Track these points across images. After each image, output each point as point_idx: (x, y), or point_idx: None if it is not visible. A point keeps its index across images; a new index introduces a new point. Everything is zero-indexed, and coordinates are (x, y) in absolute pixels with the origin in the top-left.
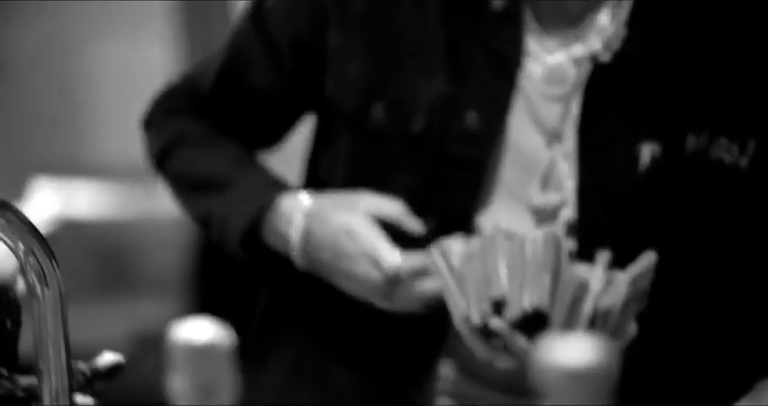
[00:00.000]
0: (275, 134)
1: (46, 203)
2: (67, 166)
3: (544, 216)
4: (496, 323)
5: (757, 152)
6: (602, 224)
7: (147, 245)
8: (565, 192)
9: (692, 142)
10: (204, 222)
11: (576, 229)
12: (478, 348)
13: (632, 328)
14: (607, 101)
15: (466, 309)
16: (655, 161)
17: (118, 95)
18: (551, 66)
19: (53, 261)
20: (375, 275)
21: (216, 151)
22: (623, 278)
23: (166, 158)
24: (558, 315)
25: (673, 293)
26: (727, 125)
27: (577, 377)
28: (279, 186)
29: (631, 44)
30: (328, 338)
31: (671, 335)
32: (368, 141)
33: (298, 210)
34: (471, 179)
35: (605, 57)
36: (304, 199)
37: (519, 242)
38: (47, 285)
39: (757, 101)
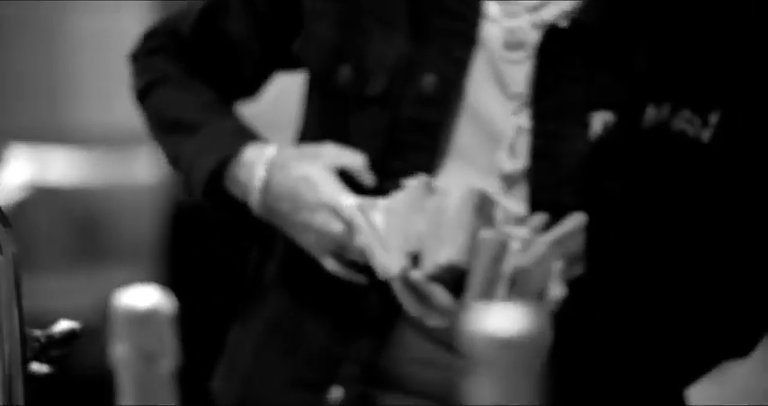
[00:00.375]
0: (249, 85)
1: (20, 169)
2: (43, 133)
3: (513, 183)
4: (414, 275)
5: (720, 124)
6: (552, 192)
7: (121, 212)
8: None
9: (651, 113)
10: (174, 164)
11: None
12: (409, 305)
13: (558, 291)
14: (560, 67)
15: (387, 264)
16: (608, 130)
17: (94, 62)
18: (510, 29)
19: (7, 227)
20: (334, 225)
21: (190, 95)
22: (544, 239)
23: (146, 96)
24: (476, 273)
25: (618, 262)
26: (690, 97)
27: (507, 346)
28: (246, 135)
29: (589, 11)
30: (304, 297)
31: (614, 306)
32: (334, 101)
33: (260, 160)
34: (427, 142)
35: (563, 24)
36: (268, 150)
37: (440, 196)
38: (0, 251)
39: (720, 72)
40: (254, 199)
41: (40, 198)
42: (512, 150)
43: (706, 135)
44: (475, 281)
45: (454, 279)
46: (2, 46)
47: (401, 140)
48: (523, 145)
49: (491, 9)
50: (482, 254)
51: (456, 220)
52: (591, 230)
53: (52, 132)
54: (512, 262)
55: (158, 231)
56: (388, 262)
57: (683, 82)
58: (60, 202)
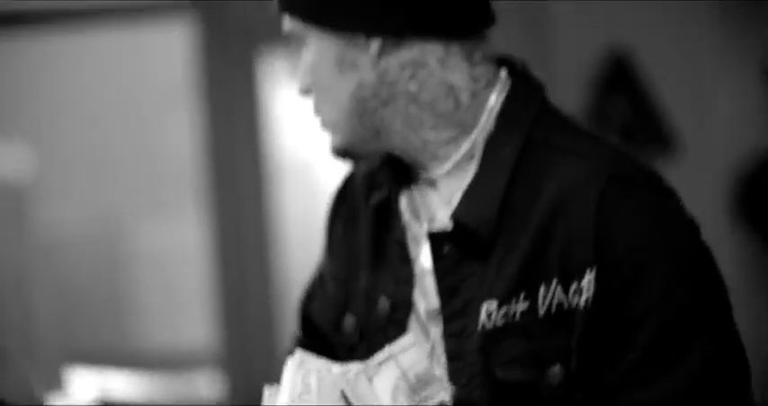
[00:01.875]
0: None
1: (84, 391)
2: (106, 354)
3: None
4: None
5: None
6: (467, 390)
7: None
8: None
9: (523, 305)
10: None
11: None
12: None
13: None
14: (450, 268)
15: None
16: (492, 320)
17: (157, 282)
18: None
19: None
20: None
21: None
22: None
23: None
24: None
25: None
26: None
27: None
28: None
29: (465, 217)
30: None
31: None
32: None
33: None
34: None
35: (448, 229)
36: None
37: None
38: None
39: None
40: None
41: None
42: (433, 354)
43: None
44: None
45: None
46: (65, 267)
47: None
48: (440, 349)
49: (414, 229)
50: None
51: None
52: None
53: (116, 354)
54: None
55: None
56: None
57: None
58: None
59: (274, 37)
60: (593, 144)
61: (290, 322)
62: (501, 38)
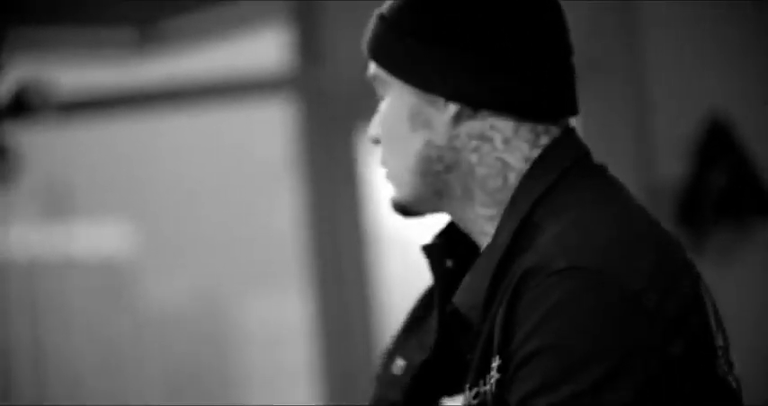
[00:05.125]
0: None
1: None
2: None
3: None
4: None
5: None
6: None
7: None
8: None
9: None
10: None
11: None
12: None
13: None
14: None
15: None
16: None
17: (260, 355)
18: None
19: None
20: None
21: None
22: None
23: None
24: None
25: None
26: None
27: None
28: None
29: (460, 301)
30: None
31: None
32: None
33: None
34: None
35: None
36: None
37: None
38: None
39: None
40: None
41: None
42: None
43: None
44: None
45: None
46: (169, 343)
47: None
48: None
49: None
50: None
51: None
52: None
53: None
54: None
55: None
56: None
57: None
58: None
59: (372, 113)
60: (571, 230)
61: None
62: (601, 107)
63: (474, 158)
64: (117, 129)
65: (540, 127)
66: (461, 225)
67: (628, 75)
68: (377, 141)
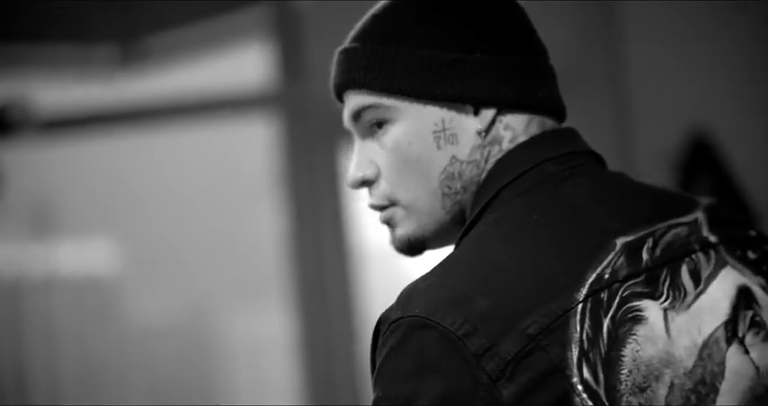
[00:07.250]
0: None
1: None
2: None
3: None
4: None
5: None
6: None
7: None
8: None
9: None
10: None
11: None
12: None
13: None
14: None
15: None
16: None
17: (243, 370)
18: None
19: None
20: None
21: None
22: None
23: None
24: None
25: None
26: None
27: None
28: None
29: None
30: None
31: None
32: None
33: None
34: None
35: None
36: None
37: None
38: None
39: None
40: None
41: None
42: None
43: None
44: None
45: None
46: (154, 358)
47: None
48: None
49: None
50: None
51: None
52: None
53: None
54: None
55: None
56: None
57: None
58: None
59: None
60: (430, 275)
61: None
62: (583, 119)
63: (488, 166)
64: (100, 147)
65: (549, 122)
66: None
67: (610, 87)
68: (366, 183)
